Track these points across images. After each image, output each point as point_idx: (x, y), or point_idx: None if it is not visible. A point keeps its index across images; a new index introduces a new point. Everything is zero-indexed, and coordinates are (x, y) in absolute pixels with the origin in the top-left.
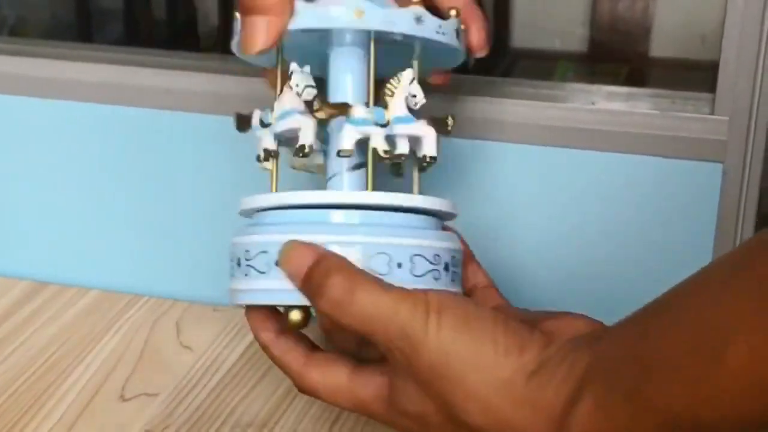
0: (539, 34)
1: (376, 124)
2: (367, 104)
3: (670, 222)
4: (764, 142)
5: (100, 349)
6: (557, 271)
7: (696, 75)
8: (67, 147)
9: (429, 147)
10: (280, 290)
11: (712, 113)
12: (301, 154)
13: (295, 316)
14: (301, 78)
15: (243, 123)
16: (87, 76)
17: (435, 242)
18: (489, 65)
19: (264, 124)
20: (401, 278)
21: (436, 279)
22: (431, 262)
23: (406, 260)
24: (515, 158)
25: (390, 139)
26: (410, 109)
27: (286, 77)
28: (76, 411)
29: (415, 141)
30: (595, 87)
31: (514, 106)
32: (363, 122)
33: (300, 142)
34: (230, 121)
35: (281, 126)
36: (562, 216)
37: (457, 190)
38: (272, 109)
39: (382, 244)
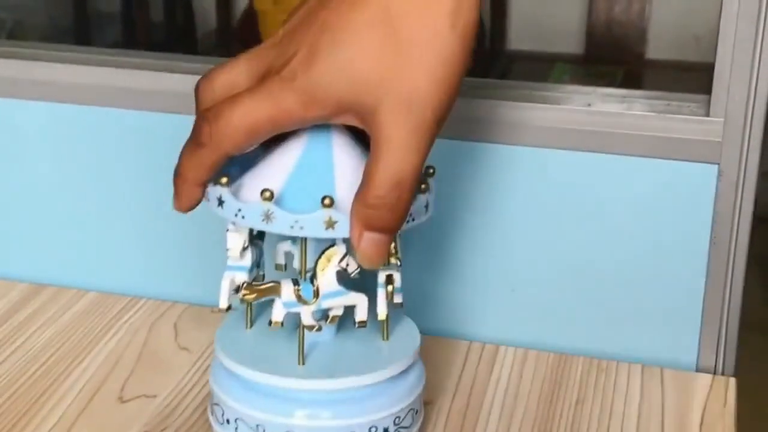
0: (535, 37)
1: (302, 301)
2: (297, 280)
3: (665, 223)
4: (760, 144)
5: (98, 350)
6: (554, 271)
7: (692, 77)
8: (64, 150)
9: (361, 314)
10: None
11: (707, 115)
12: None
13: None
14: (228, 239)
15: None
16: (84, 78)
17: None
18: (485, 68)
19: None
20: None
21: None
22: None
23: None
24: (511, 160)
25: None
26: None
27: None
28: (74, 412)
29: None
30: (590, 89)
31: (510, 108)
32: (291, 304)
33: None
34: None
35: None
36: (557, 217)
37: (451, 192)
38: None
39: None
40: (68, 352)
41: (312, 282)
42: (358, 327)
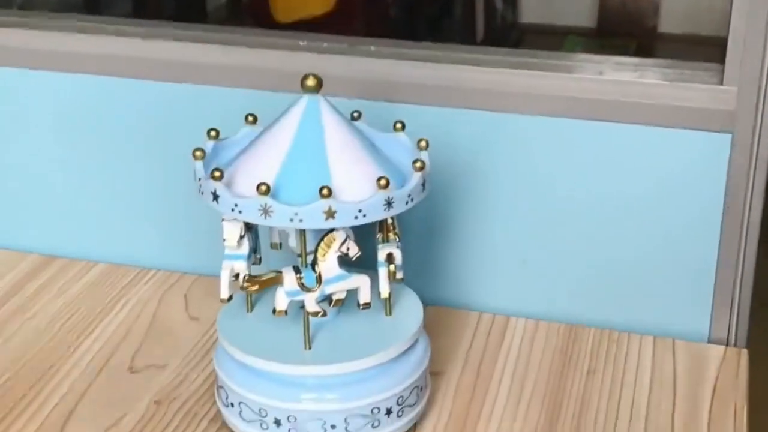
0: (548, 10)
1: (305, 288)
2: (298, 268)
3: (678, 193)
4: None
5: (108, 321)
6: (565, 242)
7: (704, 50)
8: (74, 121)
9: (364, 296)
10: None
11: (721, 83)
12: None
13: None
14: (225, 230)
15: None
16: (95, 49)
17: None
18: (497, 40)
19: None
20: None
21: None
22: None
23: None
24: (522, 130)
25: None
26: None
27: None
28: (84, 383)
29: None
30: (602, 57)
31: (521, 77)
32: (293, 293)
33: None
34: (241, 95)
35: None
36: (568, 188)
37: (461, 162)
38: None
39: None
40: (78, 323)
41: (314, 268)
42: (362, 309)
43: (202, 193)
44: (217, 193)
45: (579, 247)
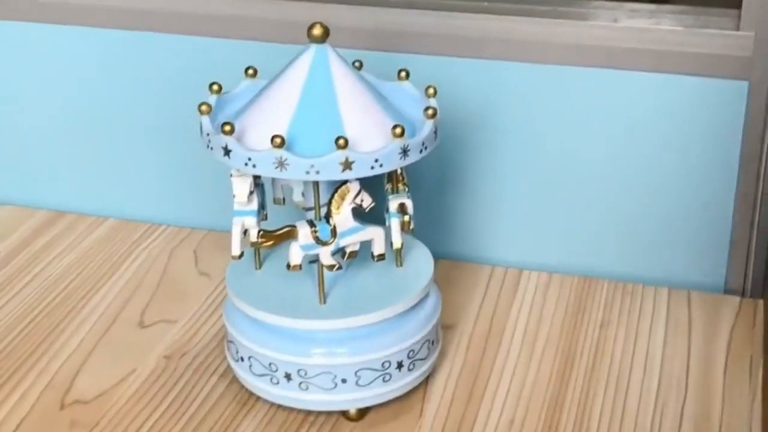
0: None
1: (321, 242)
2: (312, 222)
3: (694, 142)
4: None
5: (118, 277)
6: (579, 194)
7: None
8: (82, 75)
9: (378, 247)
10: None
11: (737, 29)
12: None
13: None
14: (234, 186)
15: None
16: (101, 2)
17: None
18: None
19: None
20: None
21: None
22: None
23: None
24: (534, 79)
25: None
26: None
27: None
28: (94, 338)
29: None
30: (616, 3)
31: (532, 25)
32: (309, 247)
33: (231, 251)
34: (255, 47)
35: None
36: (582, 138)
37: (471, 113)
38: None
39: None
40: (88, 278)
41: (328, 221)
42: (377, 261)
43: (212, 148)
44: (229, 147)
45: (592, 198)
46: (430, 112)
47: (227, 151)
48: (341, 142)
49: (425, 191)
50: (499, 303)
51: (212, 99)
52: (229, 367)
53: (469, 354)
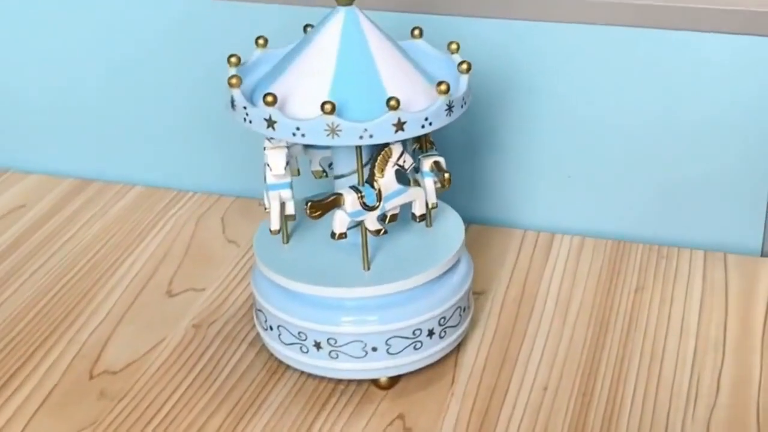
0: None
1: (368, 207)
2: (357, 187)
3: (731, 101)
4: None
5: (146, 245)
6: (612, 155)
7: None
8: (108, 43)
9: (420, 207)
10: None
11: None
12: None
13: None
14: (271, 159)
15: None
16: None
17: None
18: None
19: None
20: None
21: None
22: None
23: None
24: (566, 38)
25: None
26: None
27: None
28: (123, 306)
29: None
30: None
31: None
32: (356, 213)
33: (271, 225)
34: (291, 13)
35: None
36: (616, 98)
37: (504, 73)
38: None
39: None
40: (116, 246)
41: (372, 186)
42: (420, 221)
43: (250, 121)
44: (273, 118)
45: (626, 161)
46: (464, 66)
47: (271, 123)
48: (393, 103)
49: (454, 154)
50: (532, 268)
51: (231, 71)
52: (258, 335)
53: (501, 320)
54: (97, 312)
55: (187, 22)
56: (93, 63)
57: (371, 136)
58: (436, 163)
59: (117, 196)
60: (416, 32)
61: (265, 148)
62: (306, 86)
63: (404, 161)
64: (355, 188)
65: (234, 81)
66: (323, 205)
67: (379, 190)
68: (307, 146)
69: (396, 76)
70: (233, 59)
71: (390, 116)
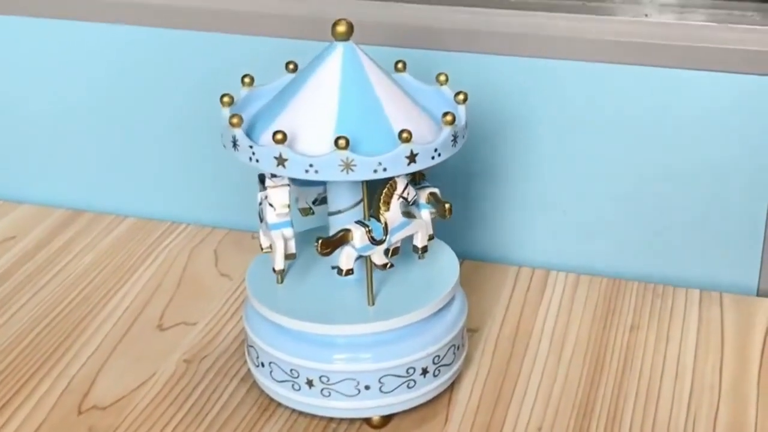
0: None
1: (375, 242)
2: (363, 222)
3: (725, 141)
4: None
5: (137, 277)
6: (607, 192)
7: None
8: (103, 72)
9: (422, 240)
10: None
11: None
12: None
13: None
14: (276, 197)
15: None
16: None
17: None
18: None
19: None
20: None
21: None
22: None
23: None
24: (562, 76)
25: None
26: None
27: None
28: (113, 340)
29: None
30: None
31: (561, 21)
32: (364, 248)
33: (275, 266)
34: (275, 44)
35: (264, 232)
36: (611, 135)
37: (497, 111)
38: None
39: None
40: (107, 278)
41: (378, 219)
42: (422, 254)
43: (257, 160)
44: (284, 156)
45: (621, 197)
46: (461, 96)
47: (282, 161)
48: (405, 135)
49: (448, 189)
50: (526, 305)
51: (226, 111)
52: (249, 371)
53: (495, 358)
54: (87, 345)
55: (180, 54)
56: (85, 94)
57: (385, 170)
58: (432, 194)
59: (109, 227)
60: (399, 65)
61: (266, 187)
62: (311, 122)
63: (408, 193)
64: (361, 223)
65: (235, 121)
66: (333, 242)
67: (386, 224)
68: (303, 183)
69: (399, 109)
70: (226, 99)
71: (403, 149)
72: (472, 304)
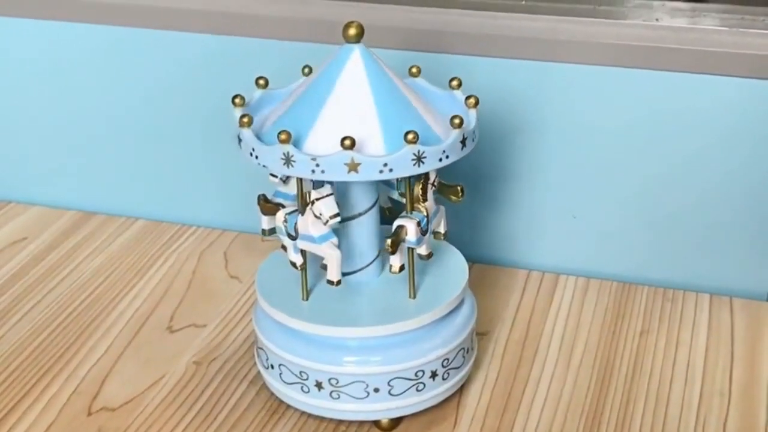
0: None
1: (423, 233)
2: (408, 215)
3: (737, 145)
4: None
5: (147, 279)
6: (617, 196)
7: None
8: (114, 75)
9: (444, 225)
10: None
11: None
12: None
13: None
14: (325, 207)
15: (268, 210)
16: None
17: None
18: None
19: (288, 234)
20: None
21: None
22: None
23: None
24: (572, 79)
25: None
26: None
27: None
28: (122, 343)
29: None
30: (657, 3)
31: (572, 25)
32: (417, 241)
33: (329, 277)
34: (289, 48)
35: (306, 247)
36: (621, 139)
37: (508, 115)
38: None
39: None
40: (117, 280)
41: (420, 211)
42: (444, 238)
43: (292, 164)
44: (356, 161)
45: (632, 201)
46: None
47: (354, 166)
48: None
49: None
50: (536, 309)
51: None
52: (259, 373)
53: (504, 362)
54: (97, 347)
55: (190, 59)
56: (97, 97)
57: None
58: (440, 182)
59: (120, 229)
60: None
61: (312, 201)
62: (350, 124)
63: (436, 181)
64: (408, 217)
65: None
66: (396, 240)
67: (427, 214)
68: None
69: (425, 110)
70: (237, 99)
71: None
72: (481, 307)
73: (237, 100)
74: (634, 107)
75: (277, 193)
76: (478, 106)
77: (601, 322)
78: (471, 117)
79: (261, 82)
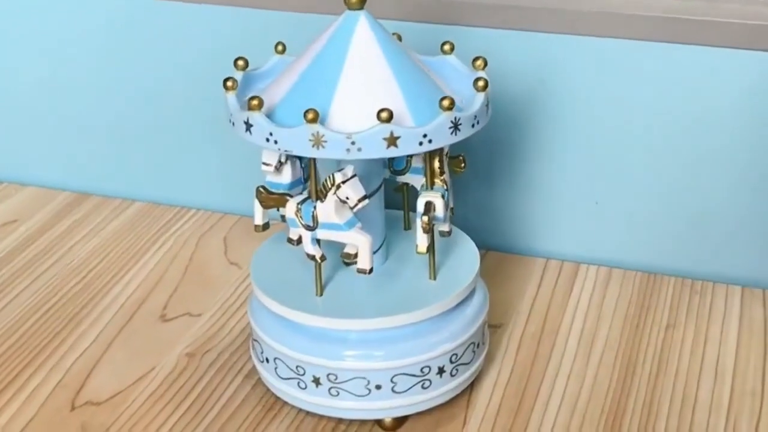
0: None
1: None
2: (430, 191)
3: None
4: None
5: (142, 264)
6: (643, 181)
7: None
8: (113, 55)
9: (451, 199)
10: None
11: None
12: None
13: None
14: (352, 190)
15: (272, 202)
16: None
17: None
18: None
19: (305, 225)
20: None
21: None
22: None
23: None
24: (591, 53)
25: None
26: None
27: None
28: (112, 331)
29: None
30: None
31: None
32: (443, 218)
33: (360, 266)
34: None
35: (328, 236)
36: (648, 119)
37: (528, 94)
38: (313, 206)
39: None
40: (111, 265)
41: (441, 186)
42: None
43: (323, 145)
44: (396, 134)
45: (658, 187)
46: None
47: (393, 140)
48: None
49: (471, 176)
50: (554, 301)
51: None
52: (255, 367)
53: (518, 358)
54: (85, 336)
55: (190, 34)
56: (93, 75)
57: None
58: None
59: (115, 211)
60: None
61: (338, 185)
62: (374, 94)
63: (447, 154)
64: (433, 192)
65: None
66: (431, 217)
67: (448, 187)
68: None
69: (435, 77)
70: (230, 83)
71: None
72: (494, 298)
73: (229, 83)
74: (661, 84)
75: (269, 184)
76: (489, 89)
77: (623, 315)
78: (476, 100)
79: (240, 63)
